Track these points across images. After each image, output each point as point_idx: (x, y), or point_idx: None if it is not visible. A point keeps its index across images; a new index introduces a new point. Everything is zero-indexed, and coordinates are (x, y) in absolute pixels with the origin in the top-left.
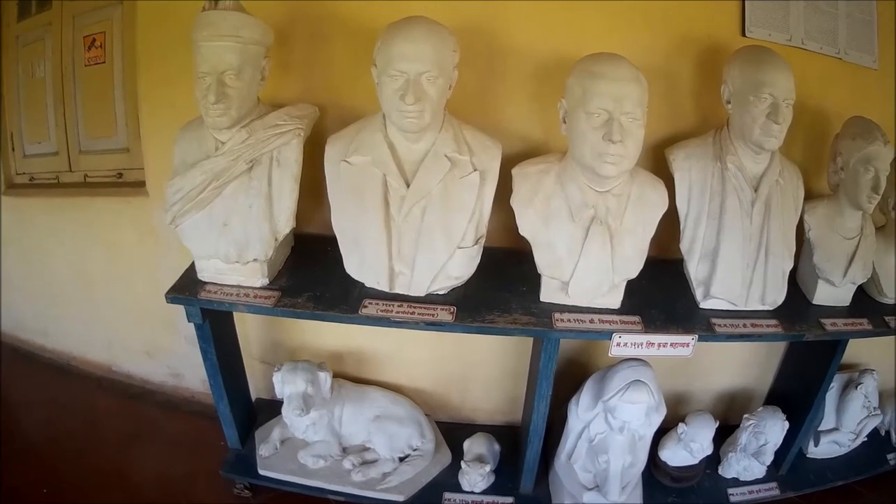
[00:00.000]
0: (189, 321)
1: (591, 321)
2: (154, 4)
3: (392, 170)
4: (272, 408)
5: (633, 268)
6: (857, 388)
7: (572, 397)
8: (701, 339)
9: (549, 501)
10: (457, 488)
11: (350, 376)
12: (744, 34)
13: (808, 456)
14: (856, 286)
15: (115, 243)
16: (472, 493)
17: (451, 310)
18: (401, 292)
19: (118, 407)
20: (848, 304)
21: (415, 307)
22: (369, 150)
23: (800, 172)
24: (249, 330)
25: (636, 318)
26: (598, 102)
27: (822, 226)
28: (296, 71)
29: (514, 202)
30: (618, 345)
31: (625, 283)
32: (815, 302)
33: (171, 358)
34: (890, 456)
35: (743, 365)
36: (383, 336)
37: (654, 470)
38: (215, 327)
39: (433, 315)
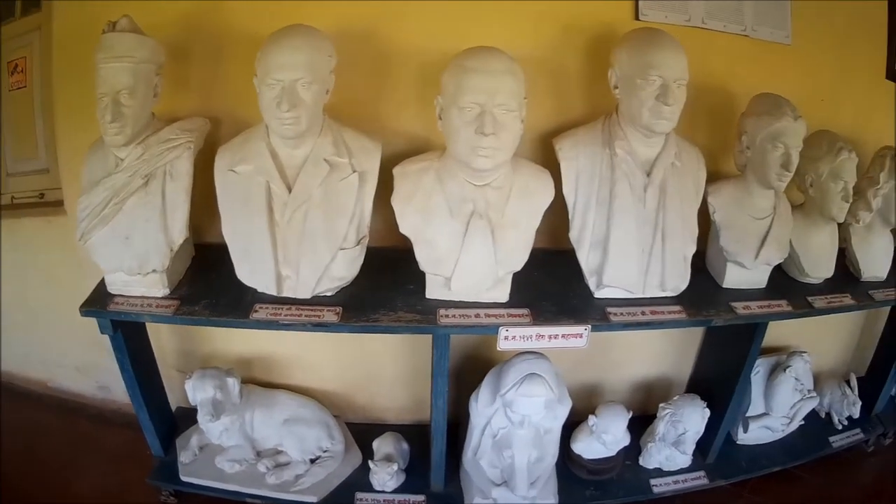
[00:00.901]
0: (102, 333)
1: (477, 316)
2: (68, 31)
3: (274, 176)
4: (192, 416)
5: (518, 260)
6: (785, 370)
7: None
8: (595, 329)
9: (461, 498)
10: (369, 488)
11: (260, 381)
12: (637, 18)
13: (738, 442)
14: (771, 267)
15: (42, 262)
16: (384, 492)
17: (338, 310)
18: (289, 295)
19: (55, 422)
20: (764, 287)
21: (302, 309)
22: (253, 159)
23: (700, 154)
24: (164, 340)
25: (525, 311)
26: (470, 97)
27: (729, 207)
28: (194, 86)
29: (395, 201)
30: (506, 338)
31: (511, 277)
32: (725, 286)
33: (99, 372)
34: (833, 438)
35: (657, 353)
36: (287, 340)
37: (570, 463)
38: (129, 338)
39: (319, 316)
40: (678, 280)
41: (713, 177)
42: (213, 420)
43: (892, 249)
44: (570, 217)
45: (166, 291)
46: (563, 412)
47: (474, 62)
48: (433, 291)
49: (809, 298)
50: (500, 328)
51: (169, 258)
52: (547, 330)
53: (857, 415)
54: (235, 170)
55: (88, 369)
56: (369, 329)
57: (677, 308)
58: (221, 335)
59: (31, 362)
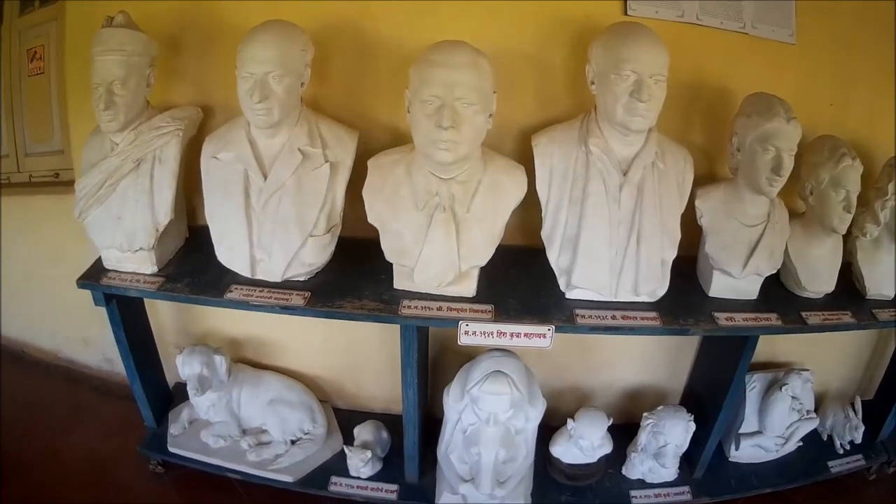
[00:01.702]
0: (95, 305)
1: (440, 309)
2: (80, 22)
3: (252, 164)
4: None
5: (482, 256)
6: (781, 388)
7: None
8: (559, 330)
9: (433, 491)
10: (345, 473)
11: (252, 361)
12: (626, 13)
13: (730, 459)
14: (762, 278)
15: (54, 238)
16: (359, 478)
17: (305, 295)
18: (262, 278)
19: (61, 391)
20: (754, 298)
21: (273, 292)
22: (234, 147)
23: (688, 155)
24: (164, 317)
25: (489, 307)
26: (430, 90)
27: (718, 212)
28: (190, 76)
29: (365, 191)
30: (466, 333)
31: (476, 271)
32: (711, 294)
33: (104, 345)
34: (832, 463)
35: (650, 361)
36: (278, 323)
37: (549, 466)
38: (125, 312)
39: (287, 300)
40: (654, 285)
41: (708, 180)
42: (198, 395)
43: None
44: (542, 215)
45: (155, 269)
46: (534, 413)
47: (437, 56)
48: (400, 282)
49: (804, 314)
50: (461, 322)
51: (155, 237)
52: (509, 328)
53: (859, 440)
54: (218, 157)
55: (94, 342)
56: (333, 315)
57: (652, 314)
58: (217, 315)
59: (42, 334)
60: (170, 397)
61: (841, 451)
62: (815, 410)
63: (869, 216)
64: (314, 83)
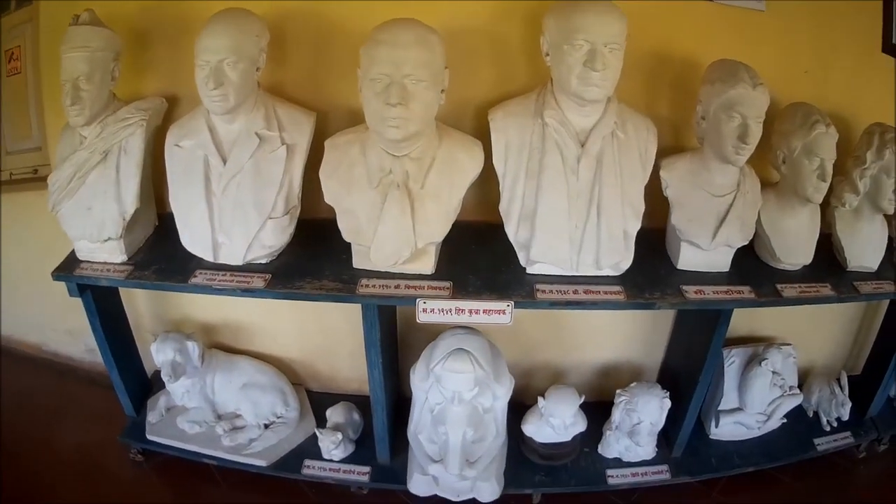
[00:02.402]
0: (70, 296)
1: (398, 287)
2: (52, 23)
3: (211, 150)
4: None
5: (438, 232)
6: (761, 364)
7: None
8: (519, 306)
9: (405, 472)
10: (318, 456)
11: (227, 346)
12: None
13: (711, 437)
14: (733, 250)
15: (36, 233)
16: (332, 461)
17: (266, 277)
18: (225, 262)
19: (47, 383)
20: (726, 271)
21: (235, 276)
22: (195, 135)
23: (652, 125)
24: (141, 306)
25: (447, 284)
26: (378, 68)
27: (684, 182)
28: (158, 68)
29: (321, 172)
30: (424, 311)
31: (434, 248)
32: (680, 267)
33: (86, 336)
34: (818, 441)
35: (623, 337)
36: (251, 307)
37: (522, 446)
38: (100, 301)
39: (248, 282)
40: (617, 258)
41: (675, 151)
42: (172, 381)
43: (885, 238)
44: (500, 189)
45: (124, 258)
46: (502, 391)
47: (384, 34)
48: (359, 261)
49: (779, 286)
50: (418, 300)
51: (122, 227)
52: (468, 304)
53: (846, 416)
54: (180, 144)
55: (77, 333)
56: (292, 296)
57: (616, 288)
58: (192, 301)
59: (27, 326)
60: (149, 385)
61: (828, 429)
62: (800, 386)
63: (847, 185)
64: (275, 67)
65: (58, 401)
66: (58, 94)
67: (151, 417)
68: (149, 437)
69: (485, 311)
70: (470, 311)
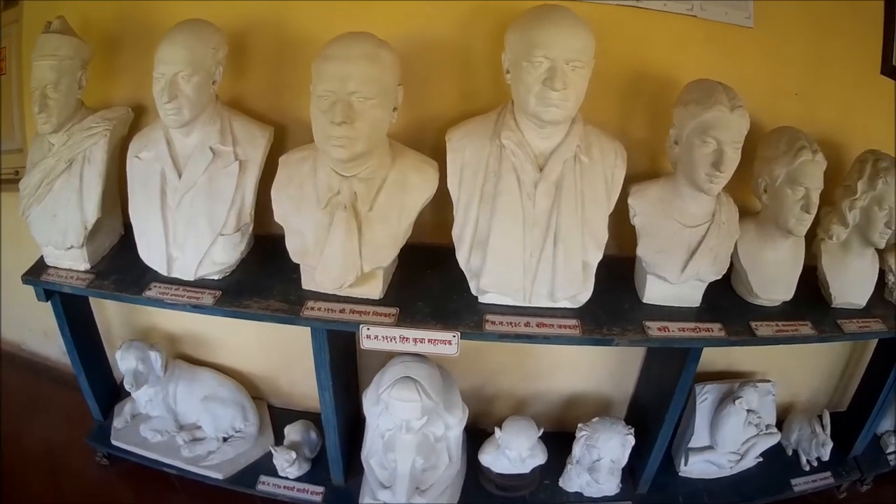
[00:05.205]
0: (38, 300)
1: (342, 311)
2: (35, 24)
3: (168, 163)
4: None
5: (385, 256)
6: (735, 402)
7: None
8: (466, 337)
9: (358, 495)
10: (274, 472)
11: (190, 357)
12: None
13: (680, 475)
14: (704, 284)
15: (15, 234)
16: (287, 478)
17: (216, 294)
18: (178, 276)
19: (23, 382)
20: (697, 306)
21: (187, 290)
22: (153, 147)
23: (621, 149)
24: (110, 313)
25: (393, 311)
26: (324, 85)
27: (653, 211)
28: (127, 76)
29: (273, 189)
30: (367, 337)
31: (381, 272)
32: (646, 301)
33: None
34: (795, 481)
35: (591, 368)
36: (213, 320)
37: (480, 475)
38: (68, 306)
39: (198, 298)
40: (574, 289)
41: (651, 177)
42: (133, 389)
43: (875, 273)
44: (454, 213)
45: (87, 266)
46: (454, 421)
47: (332, 49)
48: (307, 282)
49: (753, 324)
50: (361, 326)
51: (83, 236)
52: (412, 333)
53: (826, 456)
54: (139, 156)
55: (52, 334)
56: (239, 315)
57: (573, 322)
58: (157, 311)
59: (7, 326)
60: (117, 391)
61: (807, 468)
62: (780, 423)
63: (835, 217)
64: (236, 80)
65: (30, 400)
66: None
67: (117, 423)
68: (113, 442)
69: (430, 341)
70: (415, 340)
